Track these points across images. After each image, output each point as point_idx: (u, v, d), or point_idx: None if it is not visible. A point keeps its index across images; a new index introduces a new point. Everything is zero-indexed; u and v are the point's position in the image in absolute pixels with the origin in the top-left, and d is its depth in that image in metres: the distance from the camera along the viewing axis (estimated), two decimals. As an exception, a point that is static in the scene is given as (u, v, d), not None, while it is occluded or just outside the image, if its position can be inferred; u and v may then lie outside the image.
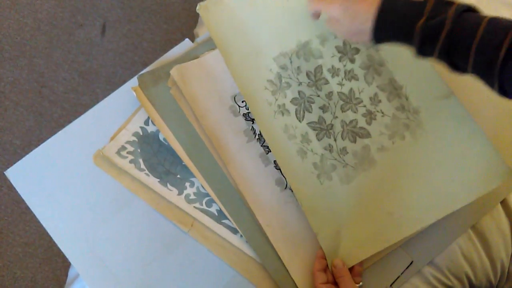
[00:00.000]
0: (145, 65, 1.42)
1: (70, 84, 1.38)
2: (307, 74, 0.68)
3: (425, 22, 0.52)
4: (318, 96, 0.68)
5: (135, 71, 1.40)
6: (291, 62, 0.68)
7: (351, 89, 0.68)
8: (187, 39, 0.81)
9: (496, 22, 0.50)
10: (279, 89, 0.67)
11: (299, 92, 0.67)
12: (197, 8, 0.67)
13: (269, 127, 0.65)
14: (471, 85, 0.63)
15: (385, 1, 0.56)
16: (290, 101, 0.67)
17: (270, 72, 0.67)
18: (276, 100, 0.66)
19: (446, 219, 0.64)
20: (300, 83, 0.68)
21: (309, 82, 0.68)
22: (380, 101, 0.68)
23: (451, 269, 0.68)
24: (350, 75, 0.69)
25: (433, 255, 0.68)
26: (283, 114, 0.66)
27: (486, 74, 0.51)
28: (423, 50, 0.54)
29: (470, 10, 0.53)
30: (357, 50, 0.70)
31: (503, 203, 0.70)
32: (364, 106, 0.68)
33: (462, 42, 0.51)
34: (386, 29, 0.56)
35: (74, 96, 1.36)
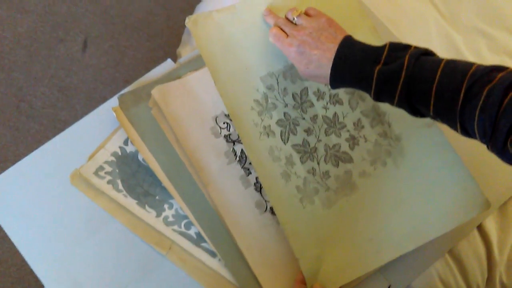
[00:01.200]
0: (126, 81, 1.41)
1: (49, 99, 1.36)
2: (293, 96, 0.68)
3: (382, 68, 0.53)
4: (303, 118, 0.67)
5: (116, 88, 1.39)
6: (277, 83, 0.68)
7: (335, 113, 0.68)
8: (169, 59, 0.80)
9: (453, 66, 0.50)
10: (265, 110, 0.66)
11: (284, 113, 0.67)
12: (186, 21, 0.66)
13: (254, 148, 0.64)
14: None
15: (342, 48, 0.56)
16: (276, 123, 0.66)
17: (257, 92, 0.67)
18: (262, 121, 0.66)
19: (423, 244, 0.64)
20: (286, 105, 0.67)
21: (294, 104, 0.68)
22: (363, 126, 0.68)
23: (428, 293, 0.68)
24: (335, 99, 0.69)
25: (410, 279, 0.68)
26: (268, 136, 0.66)
27: (447, 117, 0.51)
28: (381, 96, 0.55)
29: (427, 53, 0.53)
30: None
31: (479, 228, 0.71)
32: (348, 131, 0.68)
33: (421, 87, 0.51)
34: (343, 75, 0.57)
35: (53, 111, 1.34)
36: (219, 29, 0.67)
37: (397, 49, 0.53)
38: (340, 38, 0.57)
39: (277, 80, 0.68)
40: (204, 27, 0.67)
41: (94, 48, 1.44)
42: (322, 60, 0.57)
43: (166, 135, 0.71)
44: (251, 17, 0.69)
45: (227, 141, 0.71)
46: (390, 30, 0.82)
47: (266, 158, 0.65)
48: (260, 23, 0.69)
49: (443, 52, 0.83)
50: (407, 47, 0.54)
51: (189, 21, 0.66)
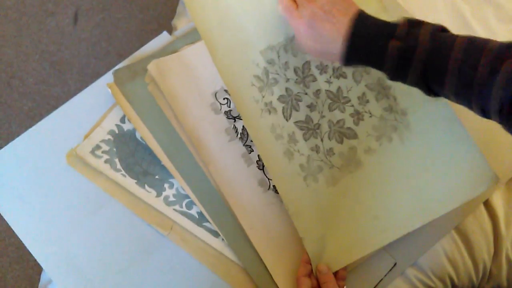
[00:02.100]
0: (120, 55, 1.37)
1: (40, 75, 1.32)
2: (294, 70, 0.65)
3: (396, 44, 0.50)
4: (306, 93, 0.65)
5: (109, 62, 1.35)
6: (278, 56, 0.65)
7: (339, 88, 0.66)
8: (165, 32, 0.77)
9: (469, 42, 0.48)
10: (266, 86, 0.64)
11: (286, 89, 0.65)
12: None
13: (256, 126, 0.62)
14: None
15: (356, 23, 0.53)
16: (277, 99, 0.64)
17: (257, 66, 0.64)
18: (263, 97, 0.63)
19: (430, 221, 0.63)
20: (287, 80, 0.65)
21: (296, 79, 0.65)
22: (368, 101, 0.66)
23: (434, 270, 0.67)
24: (339, 73, 0.66)
25: (416, 257, 0.67)
26: (270, 113, 0.63)
27: (463, 95, 0.49)
28: (396, 74, 0.52)
29: (443, 30, 0.51)
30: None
31: (486, 203, 0.70)
32: (352, 105, 0.65)
33: (436, 63, 0.49)
34: (357, 52, 0.53)
35: (45, 87, 1.31)
36: (215, 1, 0.64)
37: (412, 25, 0.51)
38: (352, 12, 0.54)
39: (278, 53, 0.65)
40: (200, 0, 0.63)
41: (85, 21, 1.40)
42: (334, 34, 0.54)
43: (164, 112, 0.69)
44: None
45: (227, 117, 0.68)
46: (397, 1, 0.79)
47: (268, 136, 0.63)
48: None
49: (450, 22, 0.80)
50: (422, 23, 0.51)
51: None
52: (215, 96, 0.69)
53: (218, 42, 0.63)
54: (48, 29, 1.38)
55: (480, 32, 0.81)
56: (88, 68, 1.33)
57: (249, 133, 0.63)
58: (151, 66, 0.69)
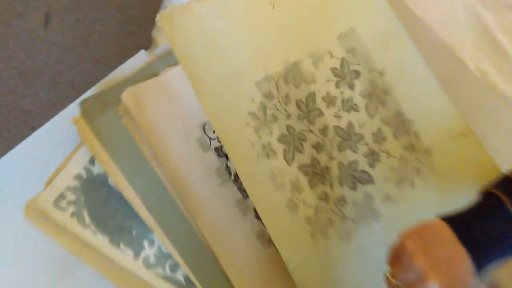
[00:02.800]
0: (96, 61, 1.25)
1: (8, 85, 1.19)
2: (297, 104, 0.54)
3: None
4: (311, 131, 0.54)
5: (84, 69, 1.23)
6: (277, 88, 0.54)
7: (350, 123, 0.55)
8: (142, 51, 0.65)
9: None
10: (263, 124, 0.53)
11: (287, 127, 0.54)
12: (157, 18, 0.52)
13: (251, 175, 0.51)
14: (491, 122, 0.54)
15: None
16: (277, 139, 0.53)
17: (252, 102, 0.53)
18: (260, 138, 0.52)
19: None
20: (289, 116, 0.54)
21: (299, 114, 0.54)
22: (385, 138, 0.55)
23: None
24: (349, 105, 0.56)
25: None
26: (268, 157, 0.52)
27: None
28: None
29: None
30: (357, 74, 0.57)
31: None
32: (366, 144, 0.55)
33: None
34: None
35: (13, 99, 1.18)
36: (201, 24, 0.53)
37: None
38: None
39: (277, 85, 0.54)
40: (181, 24, 0.52)
41: (57, 23, 1.27)
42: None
43: (142, 150, 0.57)
44: (241, 3, 0.54)
45: (218, 155, 0.58)
46: (410, 8, 0.69)
47: (267, 186, 0.52)
48: (255, 11, 0.54)
49: (471, 32, 0.70)
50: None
51: (161, 18, 0.52)
52: (203, 128, 0.59)
53: (204, 73, 0.52)
54: (16, 33, 1.25)
55: (506, 43, 0.71)
56: (60, 77, 1.21)
57: (243, 183, 0.52)
58: (126, 95, 0.58)
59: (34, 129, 1.17)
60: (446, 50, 0.67)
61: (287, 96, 0.54)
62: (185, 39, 0.52)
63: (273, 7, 0.56)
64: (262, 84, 0.54)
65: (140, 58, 0.65)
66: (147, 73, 0.62)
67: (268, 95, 0.54)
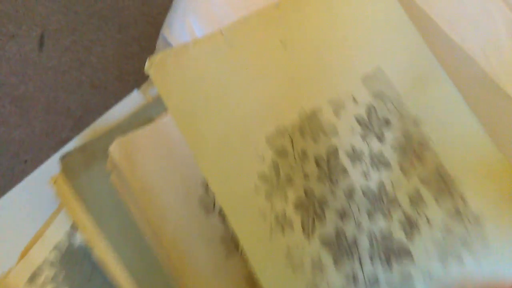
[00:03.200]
0: (94, 87, 1.16)
1: (-2, 114, 1.11)
2: (316, 161, 0.45)
3: None
4: (334, 194, 0.45)
5: (81, 95, 1.14)
6: (292, 143, 0.45)
7: (381, 183, 0.46)
8: (135, 91, 0.56)
9: None
10: (276, 187, 0.44)
11: (305, 190, 0.44)
12: (146, 66, 0.43)
13: (263, 255, 0.42)
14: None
15: None
16: (294, 206, 0.44)
17: (262, 161, 0.44)
18: (273, 207, 0.43)
19: None
20: (306, 176, 0.45)
21: (319, 174, 0.45)
22: (424, 202, 0.46)
23: None
24: (379, 161, 0.46)
25: None
26: (283, 230, 0.43)
27: None
28: None
29: None
30: (387, 122, 0.47)
31: None
32: (402, 209, 0.45)
33: None
34: None
35: (5, 129, 1.09)
36: (200, 70, 0.44)
37: None
38: None
39: (291, 139, 0.45)
40: (176, 71, 0.43)
41: (53, 45, 1.19)
42: None
43: (132, 215, 0.48)
44: (247, 43, 0.45)
45: (224, 219, 0.49)
46: (446, 33, 0.59)
47: (283, 268, 0.42)
48: (264, 53, 0.45)
49: (508, 33, 0.61)
50: None
51: (150, 66, 0.42)
52: (206, 186, 0.49)
53: (204, 131, 0.43)
54: (8, 57, 1.17)
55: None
56: (56, 104, 1.12)
57: (252, 266, 0.42)
58: (115, 148, 0.49)
59: (26, 162, 1.08)
60: (491, 84, 0.58)
61: (304, 152, 0.45)
62: (180, 90, 0.42)
63: (285, 47, 0.46)
64: (273, 138, 0.45)
65: (133, 101, 0.56)
66: (140, 119, 0.53)
67: (281, 152, 0.44)
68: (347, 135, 0.46)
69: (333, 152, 0.46)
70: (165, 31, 0.64)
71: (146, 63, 0.42)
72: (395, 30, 0.50)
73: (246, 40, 0.45)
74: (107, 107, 0.57)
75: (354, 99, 0.47)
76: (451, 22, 0.61)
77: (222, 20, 0.52)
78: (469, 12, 0.61)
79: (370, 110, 0.47)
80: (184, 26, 0.58)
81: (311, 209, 0.44)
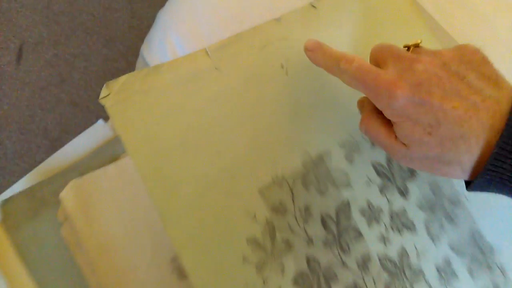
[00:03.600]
0: (75, 105, 1.06)
1: (-33, 133, 1.01)
2: (322, 221, 0.35)
3: None
4: (344, 264, 0.35)
5: (60, 114, 1.04)
6: (292, 197, 0.35)
7: (403, 250, 0.36)
8: (100, 121, 0.47)
9: None
10: (270, 255, 0.34)
11: (308, 259, 0.35)
12: (102, 94, 0.33)
13: None
14: None
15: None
16: (293, 281, 0.34)
17: (253, 221, 0.34)
18: (265, 281, 0.33)
19: None
20: (310, 240, 0.35)
21: (326, 238, 0.35)
22: (456, 275, 0.36)
23: None
24: (401, 222, 0.36)
25: None
26: (277, 313, 0.33)
27: None
28: None
29: None
30: (412, 173, 0.37)
31: None
32: (428, 285, 0.35)
33: None
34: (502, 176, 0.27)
35: (-27, 149, 1.00)
36: (175, 100, 0.34)
37: None
38: (504, 92, 0.28)
39: (292, 191, 0.35)
40: (142, 103, 0.33)
41: (32, 58, 1.09)
42: (472, 125, 0.27)
43: (87, 280, 0.38)
44: (239, 67, 0.36)
45: None
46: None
47: None
48: (258, 76, 0.36)
49: None
50: None
51: (107, 94, 0.33)
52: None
53: (177, 186, 0.33)
54: (-18, 70, 1.07)
55: None
56: (32, 123, 1.03)
57: None
58: (68, 193, 0.40)
59: (-5, 187, 0.97)
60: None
61: (307, 209, 0.35)
62: (147, 130, 0.33)
63: (287, 72, 0.37)
64: (269, 191, 0.35)
65: (95, 133, 0.46)
66: (102, 156, 0.43)
67: (279, 209, 0.35)
68: (361, 188, 0.37)
69: (344, 209, 0.36)
70: (144, 50, 0.55)
71: (102, 90, 0.32)
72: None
73: (238, 62, 0.36)
74: (87, 128, 0.48)
75: (372, 141, 0.38)
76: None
77: (210, 37, 0.43)
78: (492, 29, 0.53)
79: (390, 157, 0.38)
80: (165, 45, 0.48)
81: (316, 284, 0.34)
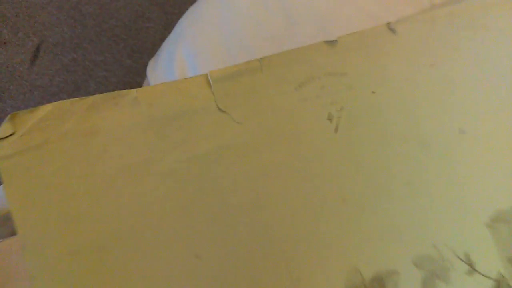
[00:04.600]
0: (85, 118, 0.95)
1: (-41, 134, 0.90)
2: None
3: None
4: None
5: (67, 126, 0.92)
6: None
7: None
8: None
9: None
10: None
11: None
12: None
13: None
14: None
15: None
16: None
17: None
18: None
19: None
20: None
21: None
22: None
23: None
24: None
25: None
26: None
27: None
28: None
29: None
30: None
31: None
32: None
33: None
34: None
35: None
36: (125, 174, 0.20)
37: None
38: None
39: None
40: (53, 170, 0.19)
41: (48, 60, 0.99)
42: None
43: None
44: (257, 111, 0.22)
45: None
46: None
47: None
48: (301, 131, 0.21)
49: None
50: None
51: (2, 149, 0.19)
52: None
53: None
54: (-7, 65, 0.97)
55: None
56: (33, 131, 0.91)
57: None
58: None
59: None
60: None
61: None
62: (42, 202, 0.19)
63: (336, 130, 0.22)
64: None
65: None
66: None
67: None
68: None
69: None
70: (148, 66, 0.42)
71: (3, 124, 0.19)
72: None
73: (257, 106, 0.22)
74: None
75: (460, 257, 0.23)
76: None
77: (226, 56, 0.29)
78: None
79: (500, 283, 0.22)
80: (173, 62, 0.35)
81: None
